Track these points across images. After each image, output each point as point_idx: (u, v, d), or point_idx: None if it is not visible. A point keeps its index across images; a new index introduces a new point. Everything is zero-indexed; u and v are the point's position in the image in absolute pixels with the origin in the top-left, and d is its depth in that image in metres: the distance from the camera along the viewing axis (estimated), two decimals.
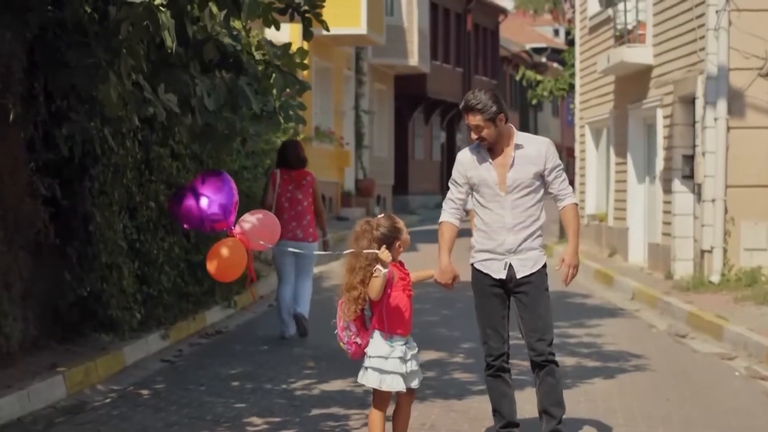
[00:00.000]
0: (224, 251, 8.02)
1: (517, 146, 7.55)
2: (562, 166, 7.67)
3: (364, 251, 7.08)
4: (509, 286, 7.58)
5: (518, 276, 7.54)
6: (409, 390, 7.26)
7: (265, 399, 9.64)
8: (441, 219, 7.75)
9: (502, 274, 7.57)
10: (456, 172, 7.69)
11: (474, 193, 7.65)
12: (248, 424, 8.73)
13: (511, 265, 7.54)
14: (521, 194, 7.52)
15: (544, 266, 7.63)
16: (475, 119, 7.45)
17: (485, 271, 7.62)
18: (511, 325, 7.67)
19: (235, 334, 13.41)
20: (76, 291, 11.19)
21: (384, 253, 7.00)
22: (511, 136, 7.58)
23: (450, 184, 7.75)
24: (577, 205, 7.76)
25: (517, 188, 7.51)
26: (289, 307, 12.74)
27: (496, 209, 7.56)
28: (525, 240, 7.53)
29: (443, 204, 7.79)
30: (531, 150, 7.55)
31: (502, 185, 7.52)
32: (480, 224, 7.66)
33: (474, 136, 7.55)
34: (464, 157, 7.69)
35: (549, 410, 7.57)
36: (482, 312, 7.67)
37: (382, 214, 7.29)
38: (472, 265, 7.70)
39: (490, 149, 7.57)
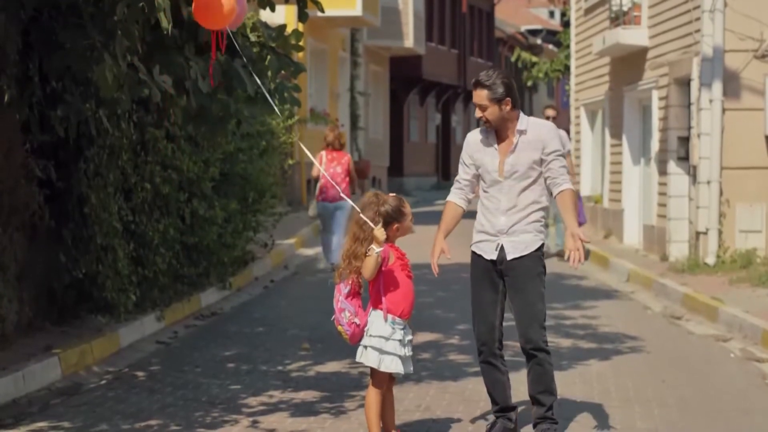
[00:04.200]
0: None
1: (521, 132, 7.48)
2: (561, 152, 7.51)
3: (361, 215, 7.05)
4: (500, 268, 7.54)
5: (508, 258, 7.48)
6: (391, 376, 7.25)
7: (261, 380, 9.64)
8: (447, 198, 7.78)
9: (493, 255, 7.53)
10: (464, 153, 7.69)
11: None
12: (243, 405, 8.73)
13: (502, 247, 7.51)
14: (519, 179, 7.46)
15: (538, 249, 7.54)
16: (480, 96, 7.42)
17: (479, 252, 7.62)
18: (507, 307, 7.66)
19: (231, 316, 13.41)
20: (71, 273, 11.19)
21: (379, 231, 6.96)
22: (515, 121, 7.50)
23: (459, 165, 7.75)
24: (573, 191, 7.54)
25: (516, 173, 7.45)
26: (330, 246, 16.75)
27: (494, 193, 7.53)
28: (518, 222, 7.47)
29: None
30: (532, 136, 7.48)
31: (501, 171, 7.49)
32: (480, 207, 7.65)
33: (477, 114, 7.49)
34: (472, 137, 7.67)
35: (537, 398, 7.55)
36: (473, 297, 7.66)
37: (393, 194, 7.24)
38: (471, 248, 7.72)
39: (497, 134, 7.53)
